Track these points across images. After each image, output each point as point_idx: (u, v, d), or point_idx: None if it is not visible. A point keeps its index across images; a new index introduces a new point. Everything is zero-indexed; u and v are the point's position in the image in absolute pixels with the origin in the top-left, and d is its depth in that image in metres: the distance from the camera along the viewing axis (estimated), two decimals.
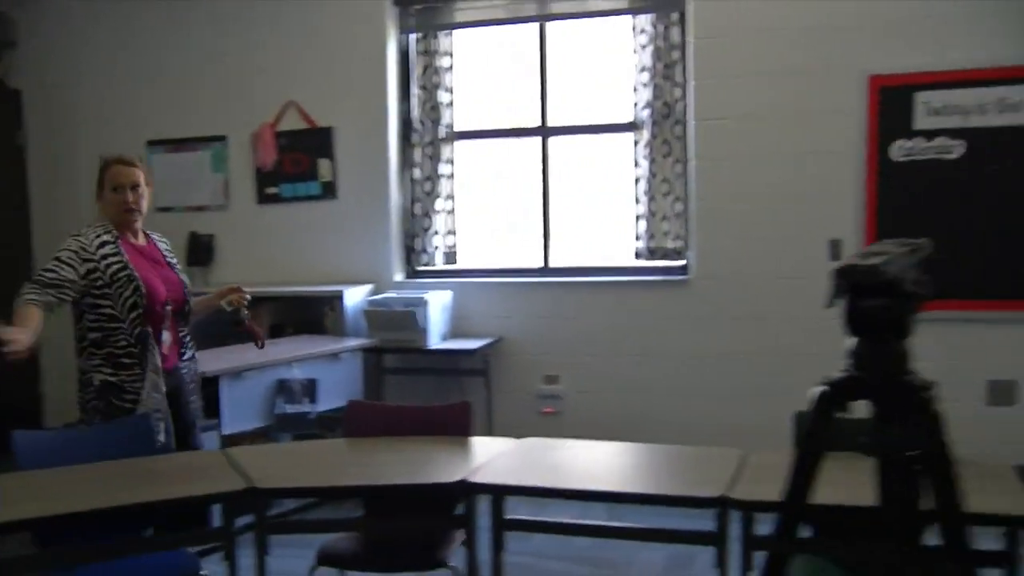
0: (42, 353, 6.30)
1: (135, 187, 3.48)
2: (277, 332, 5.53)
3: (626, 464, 3.19)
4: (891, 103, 4.85)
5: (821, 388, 1.80)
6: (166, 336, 3.48)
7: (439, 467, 3.01)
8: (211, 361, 4.53)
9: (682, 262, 5.33)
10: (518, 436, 5.32)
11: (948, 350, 4.86)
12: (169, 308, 3.49)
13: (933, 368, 4.77)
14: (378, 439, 3.26)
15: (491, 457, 3.11)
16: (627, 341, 5.34)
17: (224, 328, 5.20)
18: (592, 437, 5.31)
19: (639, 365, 5.33)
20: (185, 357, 3.61)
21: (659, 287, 5.31)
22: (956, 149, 4.76)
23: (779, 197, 5.06)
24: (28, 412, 6.20)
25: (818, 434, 1.83)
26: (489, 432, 5.34)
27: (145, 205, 3.54)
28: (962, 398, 4.86)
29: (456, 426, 3.31)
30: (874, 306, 1.72)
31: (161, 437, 3.37)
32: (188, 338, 3.64)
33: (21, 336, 3.00)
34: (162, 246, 3.69)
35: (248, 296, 3.69)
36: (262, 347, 3.82)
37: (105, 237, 3.40)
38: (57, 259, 3.31)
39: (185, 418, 3.57)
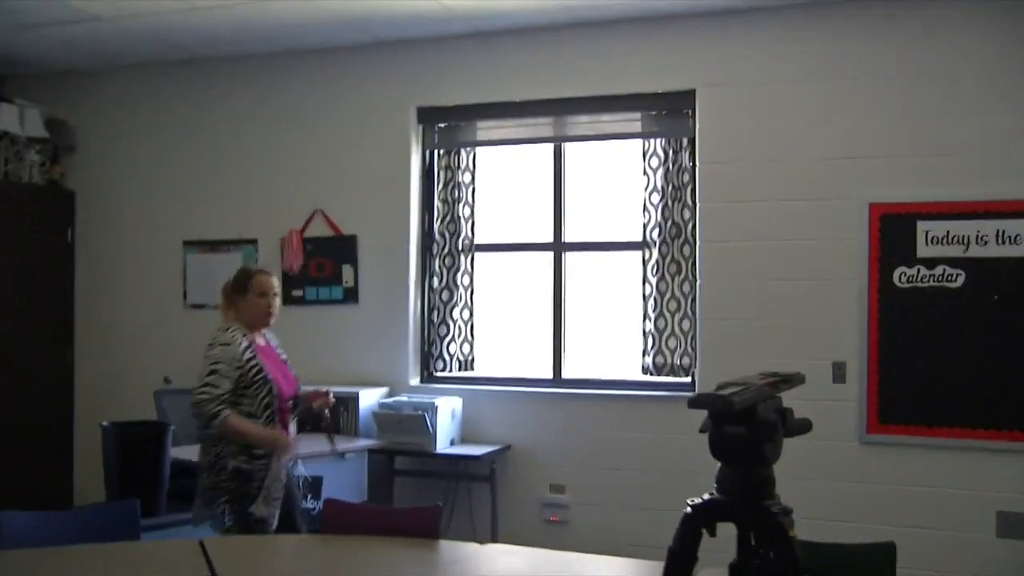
0: (75, 440, 6.61)
1: (275, 294, 3.98)
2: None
3: None
4: (892, 231, 4.96)
5: (685, 510, 1.91)
6: (292, 429, 3.97)
7: (396, 570, 3.11)
8: None
9: (688, 379, 5.43)
10: (523, 543, 5.42)
11: (954, 478, 4.87)
12: (290, 404, 3.96)
13: (939, 495, 4.82)
14: (350, 538, 3.38)
15: (449, 563, 3.20)
16: (633, 455, 5.41)
17: None
18: (597, 548, 5.36)
19: (644, 479, 5.39)
20: None
21: (666, 403, 5.40)
22: (958, 278, 4.83)
23: (784, 319, 5.16)
24: (59, 494, 6.43)
25: (682, 554, 1.93)
26: (494, 537, 5.42)
27: (277, 312, 4.02)
28: (970, 528, 4.84)
29: (425, 529, 3.41)
30: (730, 434, 1.85)
31: (274, 523, 3.81)
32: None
33: (273, 443, 3.74)
34: (274, 343, 4.10)
35: (333, 400, 4.13)
36: (332, 446, 4.19)
37: (244, 342, 3.82)
38: (216, 373, 3.73)
39: (293, 502, 4.01)
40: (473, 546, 3.41)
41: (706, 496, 1.89)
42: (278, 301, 4.02)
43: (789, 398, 5.43)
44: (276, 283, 4.02)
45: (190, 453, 4.69)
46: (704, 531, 1.92)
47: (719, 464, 1.88)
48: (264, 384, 3.79)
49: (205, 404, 3.66)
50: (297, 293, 6.12)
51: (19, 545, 2.99)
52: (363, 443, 5.31)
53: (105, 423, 4.58)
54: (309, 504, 4.83)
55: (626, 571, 3.27)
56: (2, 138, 6.19)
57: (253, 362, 3.80)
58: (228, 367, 3.74)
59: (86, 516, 3.32)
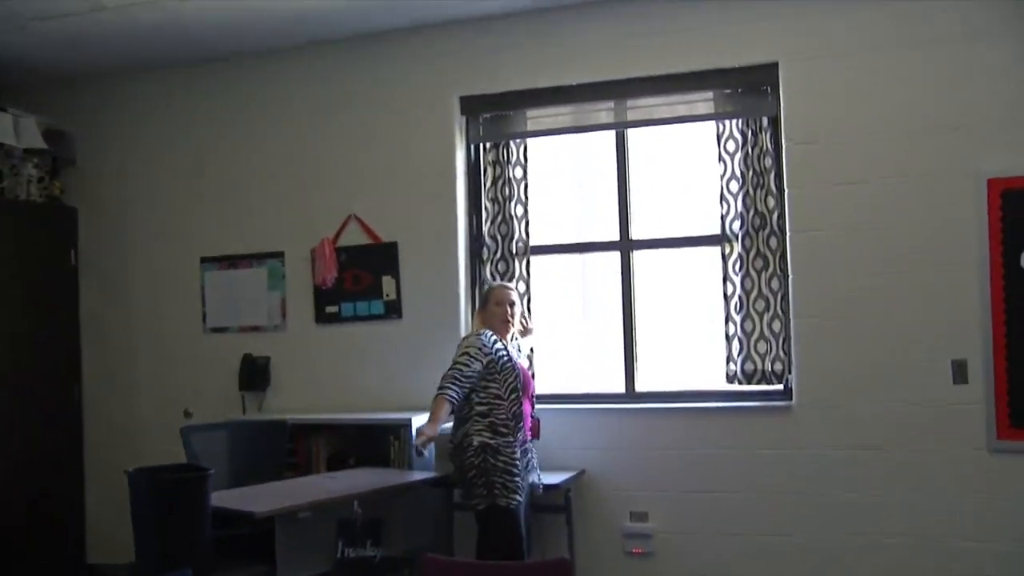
0: (87, 487, 5.97)
1: (511, 304, 4.56)
2: (337, 464, 5.08)
3: None
4: (1016, 208, 4.39)
5: None
6: (528, 414, 4.44)
7: None
8: (263, 499, 4.10)
9: (782, 386, 4.83)
10: None
11: None
12: (532, 395, 4.54)
13: None
14: None
15: None
16: (724, 475, 4.82)
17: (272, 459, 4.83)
18: None
19: (737, 501, 4.79)
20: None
21: (758, 414, 4.81)
22: None
23: (892, 313, 4.58)
24: (72, 548, 5.80)
25: None
26: (572, 574, 4.81)
27: (517, 320, 4.61)
28: None
29: None
30: None
31: (522, 524, 4.29)
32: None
33: (426, 430, 4.13)
34: (522, 347, 4.74)
35: None
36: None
37: (495, 337, 4.39)
38: (468, 355, 4.28)
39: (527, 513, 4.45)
40: None
41: None
42: (516, 310, 4.58)
43: (902, 404, 4.75)
44: (513, 294, 4.62)
45: (229, 500, 4.07)
46: None
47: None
48: (512, 371, 4.33)
49: (444, 379, 4.21)
50: (332, 310, 5.52)
51: None
52: (424, 475, 4.68)
53: (130, 469, 3.91)
54: (369, 551, 4.20)
55: None
56: None
57: (502, 352, 4.34)
58: (479, 352, 4.27)
59: None
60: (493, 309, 4.54)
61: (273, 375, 5.61)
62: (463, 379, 4.21)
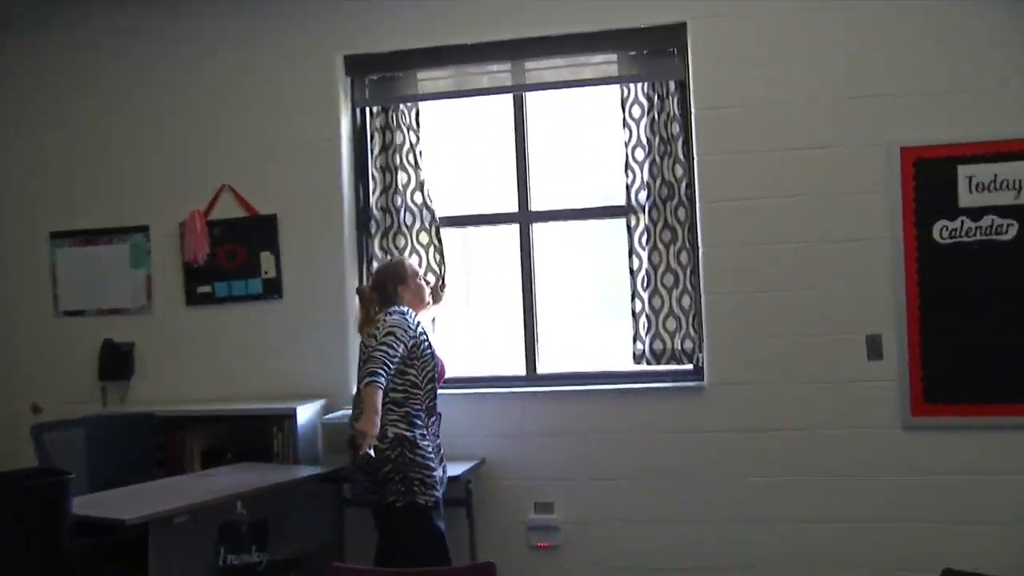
0: None
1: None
2: (213, 460, 4.63)
3: None
4: (929, 179, 4.27)
5: None
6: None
7: None
8: (132, 503, 3.66)
9: (691, 365, 4.62)
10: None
11: (1020, 462, 4.23)
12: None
13: (1004, 484, 4.16)
14: None
15: None
16: (633, 460, 4.59)
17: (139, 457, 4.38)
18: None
19: (647, 488, 4.58)
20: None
21: (668, 395, 4.58)
22: (1010, 229, 4.18)
23: (805, 288, 4.42)
24: None
25: None
26: None
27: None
28: None
29: None
30: None
31: (442, 523, 3.96)
32: None
33: (369, 428, 3.68)
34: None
35: None
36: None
37: (416, 317, 4.03)
38: (394, 335, 3.84)
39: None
40: None
41: None
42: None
43: (817, 381, 4.59)
44: None
45: (93, 506, 3.60)
46: None
47: None
48: (432, 358, 4.03)
49: (371, 363, 3.76)
50: (204, 289, 5.05)
51: None
52: (311, 471, 4.28)
53: None
54: (254, 557, 3.78)
55: None
56: None
57: (424, 337, 4.02)
58: (404, 334, 3.88)
59: None
60: (419, 283, 4.26)
61: (138, 363, 5.11)
62: (391, 364, 3.81)
